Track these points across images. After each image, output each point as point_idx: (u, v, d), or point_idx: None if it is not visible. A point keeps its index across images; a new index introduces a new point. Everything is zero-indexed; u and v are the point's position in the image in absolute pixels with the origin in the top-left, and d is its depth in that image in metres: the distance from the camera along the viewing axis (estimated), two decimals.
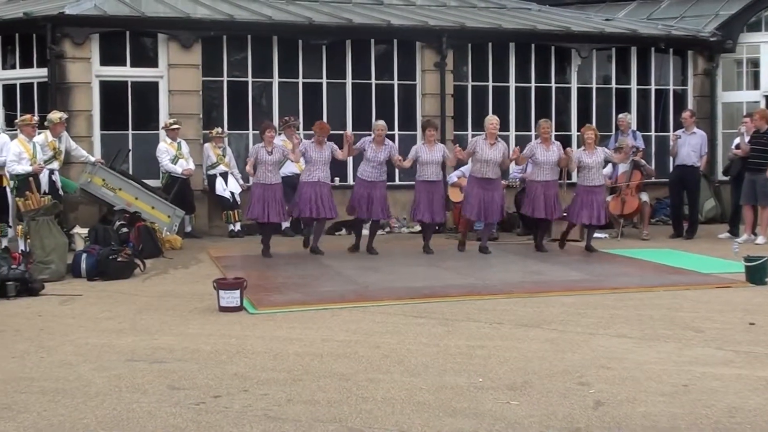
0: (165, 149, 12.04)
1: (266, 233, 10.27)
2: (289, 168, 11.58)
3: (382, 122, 10.58)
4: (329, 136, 10.29)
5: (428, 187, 10.40)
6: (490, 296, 7.53)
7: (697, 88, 15.08)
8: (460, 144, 11.63)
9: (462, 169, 12.06)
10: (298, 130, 12.66)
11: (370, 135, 10.47)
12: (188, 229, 12.23)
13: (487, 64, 14.04)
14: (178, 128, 12.09)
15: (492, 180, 10.42)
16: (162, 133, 12.31)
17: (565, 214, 10.84)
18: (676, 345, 5.69)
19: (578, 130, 13.39)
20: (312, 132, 10.40)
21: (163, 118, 12.49)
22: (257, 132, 12.90)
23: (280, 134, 12.85)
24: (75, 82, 12.17)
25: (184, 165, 12.08)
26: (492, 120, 10.57)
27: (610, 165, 12.24)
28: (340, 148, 10.36)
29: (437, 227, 12.73)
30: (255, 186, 10.14)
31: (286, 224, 12.22)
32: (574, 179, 11.19)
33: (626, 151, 11.55)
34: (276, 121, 13.06)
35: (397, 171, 13.51)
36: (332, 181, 10.80)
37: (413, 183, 10.72)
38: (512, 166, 13.24)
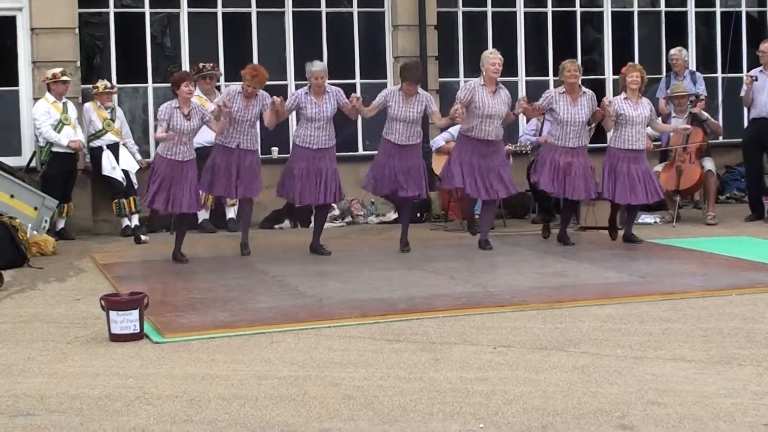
0: (46, 109, 11.87)
1: (180, 228, 10.27)
2: (206, 136, 11.38)
3: (320, 66, 10.32)
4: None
5: (398, 151, 10.28)
6: (495, 309, 7.57)
7: None
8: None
9: (451, 130, 11.94)
10: (218, 81, 12.63)
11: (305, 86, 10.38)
12: (59, 225, 12.08)
13: None
14: (68, 81, 11.94)
15: (492, 142, 10.38)
16: (25, 87, 12.23)
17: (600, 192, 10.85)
18: (754, 370, 5.75)
19: (615, 73, 13.44)
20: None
21: (24, 67, 12.41)
22: (160, 85, 12.82)
23: None
24: None
25: (72, 135, 11.93)
26: (493, 58, 10.34)
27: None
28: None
29: (420, 214, 12.76)
30: (158, 161, 10.02)
31: (204, 215, 12.19)
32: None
33: (680, 102, 11.59)
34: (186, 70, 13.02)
35: (360, 138, 13.53)
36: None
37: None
38: (522, 125, 13.25)
